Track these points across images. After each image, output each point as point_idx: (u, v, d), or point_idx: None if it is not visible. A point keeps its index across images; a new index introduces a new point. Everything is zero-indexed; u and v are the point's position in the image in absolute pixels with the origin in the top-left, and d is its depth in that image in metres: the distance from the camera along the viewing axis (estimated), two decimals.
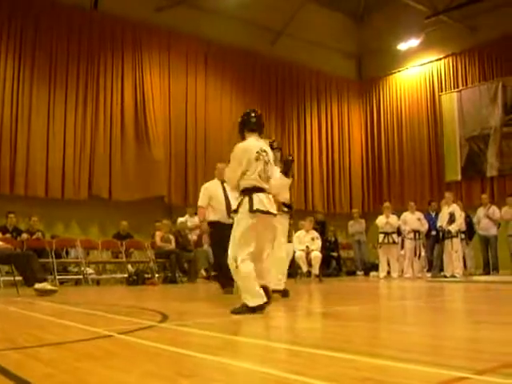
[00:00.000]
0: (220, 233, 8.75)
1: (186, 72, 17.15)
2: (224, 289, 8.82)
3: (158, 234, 13.64)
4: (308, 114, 20.56)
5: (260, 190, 5.62)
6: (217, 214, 9.07)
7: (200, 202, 9.30)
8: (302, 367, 2.80)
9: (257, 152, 5.68)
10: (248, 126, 6.05)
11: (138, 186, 15.35)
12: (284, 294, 7.59)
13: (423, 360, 2.95)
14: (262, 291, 5.40)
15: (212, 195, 9.20)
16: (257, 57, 18.92)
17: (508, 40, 17.97)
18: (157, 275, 13.15)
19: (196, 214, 14.97)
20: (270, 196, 5.57)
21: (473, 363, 2.85)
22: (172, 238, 13.72)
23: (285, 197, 6.78)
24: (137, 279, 12.36)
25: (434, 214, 14.72)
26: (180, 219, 14.45)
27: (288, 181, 6.39)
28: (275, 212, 5.58)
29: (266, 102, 19.17)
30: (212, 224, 9.14)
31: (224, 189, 9.20)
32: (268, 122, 19.10)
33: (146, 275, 12.82)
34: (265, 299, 5.38)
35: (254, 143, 5.80)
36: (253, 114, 6.12)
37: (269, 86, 19.46)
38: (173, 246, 13.60)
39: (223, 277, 8.92)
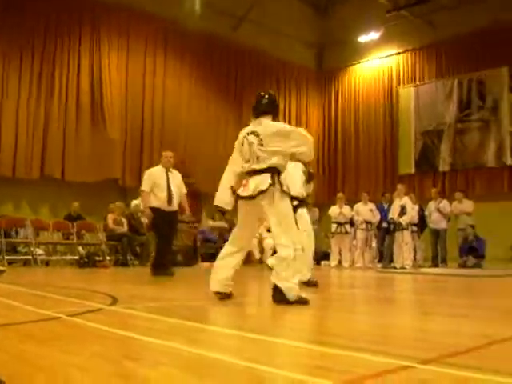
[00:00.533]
0: (159, 219, 9.08)
1: (144, 54, 16.92)
2: (157, 272, 8.94)
3: (111, 217, 13.48)
4: None
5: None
6: (158, 201, 9.13)
7: (143, 187, 9.30)
8: (253, 354, 2.80)
9: (243, 137, 5.38)
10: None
11: (92, 167, 15.13)
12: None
13: (371, 349, 2.97)
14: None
15: (156, 182, 9.22)
16: (218, 42, 18.76)
17: (465, 38, 18.29)
18: (108, 258, 13.01)
19: None
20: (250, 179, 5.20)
21: (418, 353, 2.89)
22: (125, 220, 13.59)
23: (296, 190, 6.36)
24: (88, 261, 12.21)
25: (386, 206, 14.90)
26: (134, 202, 14.30)
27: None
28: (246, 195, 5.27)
29: (224, 87, 19.10)
30: (152, 210, 9.17)
31: (168, 177, 9.31)
32: (225, 108, 19.06)
33: (97, 258, 12.68)
34: None
35: (245, 129, 5.51)
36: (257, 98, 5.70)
37: (228, 72, 19.35)
38: (125, 228, 13.48)
39: (160, 259, 9.22)
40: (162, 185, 9.21)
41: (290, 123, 20.91)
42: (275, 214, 5.02)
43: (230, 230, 15.87)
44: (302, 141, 5.23)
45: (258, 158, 5.16)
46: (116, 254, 13.49)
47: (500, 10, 17.16)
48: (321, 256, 16.10)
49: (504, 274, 11.55)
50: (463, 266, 14.14)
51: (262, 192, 4.98)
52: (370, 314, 5.00)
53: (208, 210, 17.54)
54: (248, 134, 5.39)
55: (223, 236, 15.60)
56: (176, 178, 9.56)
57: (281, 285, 4.97)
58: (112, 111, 15.74)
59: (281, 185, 5.06)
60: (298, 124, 21.29)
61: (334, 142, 22.07)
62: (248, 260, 13.56)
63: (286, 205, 5.07)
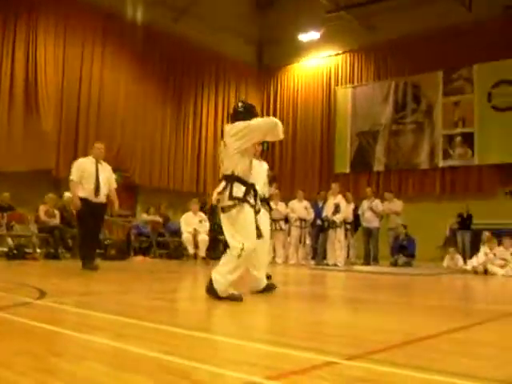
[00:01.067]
0: (85, 210, 8.90)
1: (82, 45, 16.51)
2: (84, 265, 8.78)
3: (42, 208, 13.16)
4: (206, 96, 20.45)
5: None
6: (85, 191, 8.97)
7: (72, 176, 9.06)
8: (175, 348, 2.80)
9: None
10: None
11: (24, 157, 14.71)
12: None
13: (300, 345, 3.02)
14: None
15: (85, 172, 9.06)
16: (158, 34, 18.50)
17: (402, 41, 18.68)
18: (39, 250, 12.69)
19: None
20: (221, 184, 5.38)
21: (345, 349, 2.95)
22: (57, 212, 13.29)
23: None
24: (17, 254, 11.89)
25: (321, 204, 15.07)
26: (66, 194, 13.99)
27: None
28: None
29: (163, 80, 18.89)
30: (80, 200, 8.98)
31: (97, 168, 9.15)
32: (164, 103, 18.91)
33: (27, 250, 12.36)
34: None
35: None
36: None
37: (168, 65, 19.13)
38: (57, 221, 13.19)
39: (83, 252, 9.06)
40: (90, 175, 9.05)
41: (228, 118, 21.05)
42: (225, 217, 5.29)
43: (164, 224, 15.83)
44: (261, 130, 5.39)
45: (222, 162, 5.47)
46: (47, 246, 13.17)
47: (437, 16, 17.58)
48: None
49: (432, 273, 11.89)
50: (394, 264, 14.44)
51: (218, 201, 5.34)
52: (301, 311, 5.05)
53: (143, 204, 17.39)
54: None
55: (157, 230, 15.49)
56: (106, 170, 9.40)
57: (213, 276, 5.16)
58: (47, 102, 15.34)
59: (231, 191, 5.24)
60: None
61: None
62: (182, 255, 13.51)
63: (236, 209, 5.22)
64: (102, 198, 9.13)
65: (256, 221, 5.43)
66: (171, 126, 19.17)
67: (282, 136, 5.57)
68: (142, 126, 17.89)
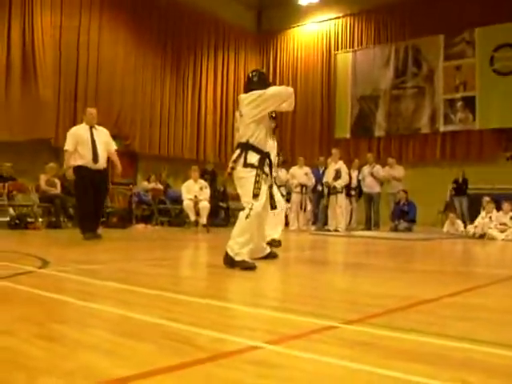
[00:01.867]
0: (85, 178, 8.75)
1: (79, 11, 16.30)
2: (85, 234, 8.68)
3: (43, 178, 13.18)
4: (204, 62, 20.29)
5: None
6: (83, 159, 8.81)
7: (66, 146, 8.91)
8: (176, 314, 2.84)
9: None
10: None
11: (23, 126, 14.64)
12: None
13: (299, 310, 3.06)
14: None
15: (79, 140, 8.89)
16: (155, 0, 18.35)
17: (403, 4, 18.53)
18: (40, 220, 12.75)
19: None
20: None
21: (344, 313, 2.99)
22: (58, 182, 13.30)
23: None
24: (19, 223, 11.94)
25: (321, 170, 15.07)
26: None
27: None
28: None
29: (161, 47, 18.74)
30: (77, 168, 8.84)
31: (92, 134, 9.00)
32: (163, 68, 18.79)
33: (29, 219, 12.41)
34: None
35: None
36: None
37: (166, 31, 18.95)
38: (58, 190, 13.21)
39: (83, 221, 8.94)
40: (85, 142, 8.86)
41: (227, 84, 20.96)
42: (237, 179, 5.45)
43: (164, 192, 15.84)
44: (275, 98, 5.43)
45: (238, 131, 5.53)
46: (49, 215, 13.22)
47: None
48: None
49: (432, 238, 11.96)
50: (395, 229, 14.51)
51: (232, 169, 5.47)
52: (301, 277, 5.09)
53: (143, 172, 17.39)
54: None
55: (158, 198, 15.53)
56: (102, 134, 9.22)
57: (228, 246, 5.24)
58: (45, 70, 15.21)
59: (245, 158, 5.33)
60: (237, 85, 21.22)
61: None
62: (183, 222, 13.56)
63: (246, 174, 5.31)
64: (101, 164, 8.98)
65: (271, 191, 5.55)
66: (170, 92, 19.07)
67: (293, 107, 5.60)
68: (140, 93, 17.80)
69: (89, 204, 8.87)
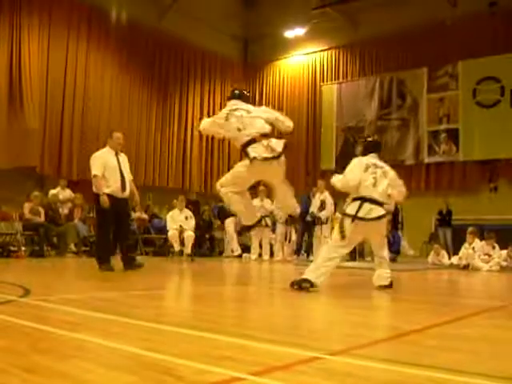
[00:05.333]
0: (110, 207, 8.19)
1: (67, 39, 16.41)
2: (102, 266, 8.27)
3: (27, 206, 13.09)
4: (191, 93, 20.41)
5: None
6: (110, 187, 8.30)
7: (95, 171, 8.31)
8: (159, 344, 2.81)
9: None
10: None
11: (8, 154, 14.58)
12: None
13: (284, 340, 3.03)
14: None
15: (106, 166, 8.36)
16: (143, 30, 18.45)
17: (388, 38, 18.75)
18: (23, 248, 12.62)
19: (68, 186, 14.62)
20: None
21: (330, 344, 2.97)
22: (41, 210, 13.23)
23: None
24: (2, 251, 11.84)
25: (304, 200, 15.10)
26: (51, 191, 13.97)
27: None
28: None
29: (149, 76, 18.86)
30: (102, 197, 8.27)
31: (118, 160, 8.51)
32: (150, 98, 18.86)
33: (12, 248, 12.30)
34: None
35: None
36: None
37: (153, 60, 19.08)
38: (42, 218, 13.12)
39: (102, 252, 8.46)
40: (113, 169, 8.36)
41: (213, 114, 20.99)
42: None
43: (150, 221, 15.76)
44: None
45: (244, 128, 6.39)
46: (32, 244, 13.12)
47: (422, 12, 17.66)
48: (242, 249, 16.15)
49: (417, 269, 11.97)
50: None
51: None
52: (286, 307, 5.07)
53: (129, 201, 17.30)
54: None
55: (143, 227, 15.46)
56: (125, 161, 8.74)
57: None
58: (31, 97, 15.21)
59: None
60: None
61: None
62: (168, 252, 13.49)
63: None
64: (127, 193, 8.54)
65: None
66: (157, 122, 19.13)
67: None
68: (127, 122, 17.82)
69: (109, 235, 8.46)
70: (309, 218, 14.40)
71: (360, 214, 6.25)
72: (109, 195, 8.22)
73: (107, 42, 17.49)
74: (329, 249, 6.46)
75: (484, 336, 3.56)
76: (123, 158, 8.72)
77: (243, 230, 5.92)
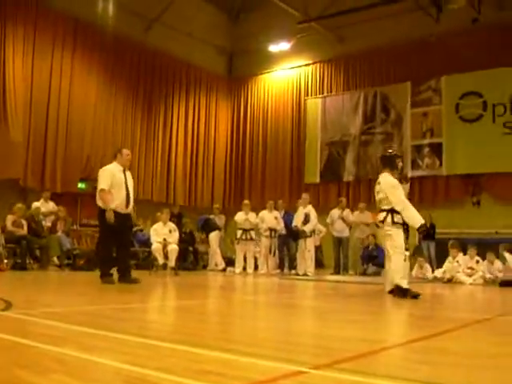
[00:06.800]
0: (114, 223, 8.30)
1: (52, 51, 16.39)
2: (103, 278, 8.44)
3: (10, 218, 12.98)
4: (176, 106, 20.43)
5: None
6: (115, 201, 8.41)
7: (102, 185, 8.42)
8: (142, 359, 2.78)
9: None
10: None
11: None
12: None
13: (268, 354, 3.02)
14: None
15: (113, 181, 8.48)
16: (128, 43, 18.48)
17: (372, 52, 18.94)
18: (6, 261, 12.50)
19: (51, 199, 14.52)
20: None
21: (313, 358, 2.96)
22: (24, 222, 13.12)
23: None
24: None
25: (282, 214, 15.19)
26: (35, 204, 13.87)
27: None
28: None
29: (134, 89, 18.87)
30: (107, 211, 8.37)
31: (125, 176, 8.68)
32: (134, 110, 18.85)
33: None
34: None
35: None
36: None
37: (138, 74, 19.10)
38: (25, 231, 13.01)
39: (104, 266, 8.67)
40: (120, 185, 8.52)
41: (198, 128, 21.09)
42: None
43: (133, 235, 15.69)
44: None
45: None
46: (14, 256, 12.99)
47: (406, 27, 17.85)
48: (226, 262, 16.13)
49: None
50: (363, 273, 14.53)
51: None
52: (270, 321, 5.05)
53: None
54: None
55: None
56: (130, 178, 8.90)
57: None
58: (15, 112, 15.14)
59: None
60: (207, 129, 21.40)
61: (241, 149, 22.22)
62: (151, 265, 13.40)
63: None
64: (130, 209, 8.74)
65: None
66: (141, 135, 19.10)
67: None
68: (111, 135, 17.79)
69: (111, 249, 8.68)
70: (283, 232, 14.53)
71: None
72: (113, 210, 8.35)
73: (92, 54, 17.49)
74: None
75: (466, 350, 3.57)
76: (129, 175, 8.89)
77: None
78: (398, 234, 7.71)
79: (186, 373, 2.49)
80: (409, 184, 8.65)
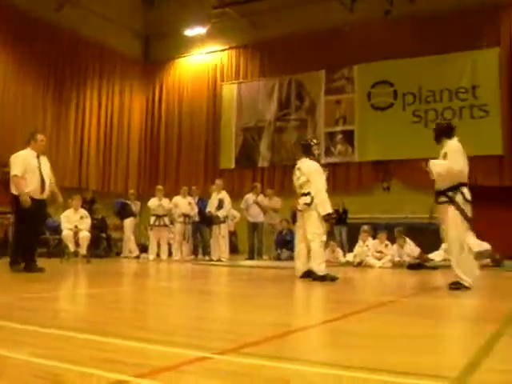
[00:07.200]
0: (29, 208, 8.22)
1: None
2: (13, 267, 8.35)
3: None
4: (89, 90, 19.90)
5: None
6: (29, 188, 8.32)
7: (15, 171, 8.33)
8: (48, 350, 2.72)
9: None
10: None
11: None
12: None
13: (178, 341, 3.02)
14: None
15: (27, 167, 8.39)
16: (37, 22, 17.72)
17: (287, 40, 19.06)
18: None
19: None
20: None
21: (219, 343, 2.97)
22: None
23: None
24: None
25: (196, 199, 15.17)
26: None
27: None
28: None
29: (44, 72, 18.20)
30: (20, 197, 8.26)
31: (39, 162, 8.55)
32: (45, 93, 18.26)
33: None
34: None
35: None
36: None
37: (49, 57, 18.42)
38: None
39: (16, 254, 8.56)
40: (33, 170, 8.39)
41: (112, 112, 20.66)
42: None
43: (43, 222, 15.24)
44: None
45: None
46: None
47: (320, 16, 18.12)
48: (140, 249, 15.96)
49: None
50: (278, 258, 14.70)
51: None
52: (181, 307, 5.05)
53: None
54: None
55: None
56: (46, 164, 8.75)
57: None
58: None
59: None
60: (121, 114, 21.02)
61: (156, 134, 21.97)
62: (62, 253, 13.09)
63: None
64: (46, 194, 8.56)
65: None
66: (53, 119, 18.52)
67: None
68: (21, 119, 17.11)
69: (24, 237, 8.51)
70: (196, 219, 14.55)
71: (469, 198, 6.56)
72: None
73: None
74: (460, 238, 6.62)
75: (371, 331, 3.67)
76: (44, 160, 8.77)
77: None
78: (320, 219, 7.86)
79: (91, 362, 2.46)
80: (327, 171, 8.72)
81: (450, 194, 6.41)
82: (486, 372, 2.41)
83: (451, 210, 6.31)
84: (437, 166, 6.55)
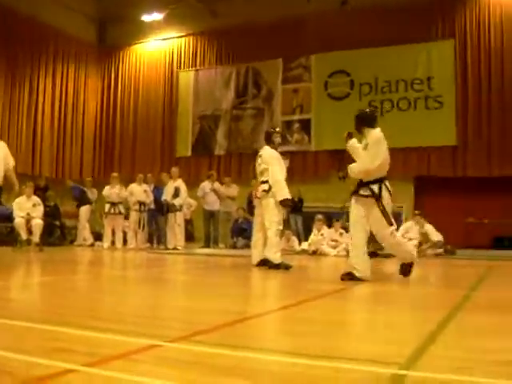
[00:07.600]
0: None
1: None
2: None
3: None
4: (42, 75, 19.47)
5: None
6: None
7: None
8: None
9: None
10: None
11: None
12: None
13: (131, 330, 2.99)
14: None
15: None
16: None
17: (245, 28, 18.99)
18: None
19: None
20: None
21: (172, 331, 2.96)
22: None
23: None
24: None
25: (152, 187, 15.05)
26: None
27: None
28: None
29: None
30: None
31: None
32: None
33: None
34: None
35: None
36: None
37: (2, 39, 17.95)
38: None
39: None
40: None
41: (66, 97, 20.27)
42: None
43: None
44: None
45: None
46: None
47: (278, 5, 18.11)
48: (95, 237, 15.77)
49: None
50: (234, 246, 14.71)
51: None
52: (138, 296, 5.00)
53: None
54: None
55: None
56: (4, 149, 8.27)
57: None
58: None
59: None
60: (76, 99, 20.67)
61: (112, 121, 21.67)
62: (14, 241, 12.87)
63: None
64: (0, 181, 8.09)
65: None
66: (4, 104, 18.09)
67: None
68: None
69: None
70: (152, 206, 14.47)
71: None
72: None
73: None
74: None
75: (323, 318, 3.69)
76: (2, 145, 8.27)
77: None
78: (277, 206, 7.98)
79: (38, 351, 2.41)
80: (288, 160, 8.73)
81: (373, 187, 6.24)
82: (432, 358, 2.45)
83: (374, 205, 6.18)
84: (354, 170, 6.48)
